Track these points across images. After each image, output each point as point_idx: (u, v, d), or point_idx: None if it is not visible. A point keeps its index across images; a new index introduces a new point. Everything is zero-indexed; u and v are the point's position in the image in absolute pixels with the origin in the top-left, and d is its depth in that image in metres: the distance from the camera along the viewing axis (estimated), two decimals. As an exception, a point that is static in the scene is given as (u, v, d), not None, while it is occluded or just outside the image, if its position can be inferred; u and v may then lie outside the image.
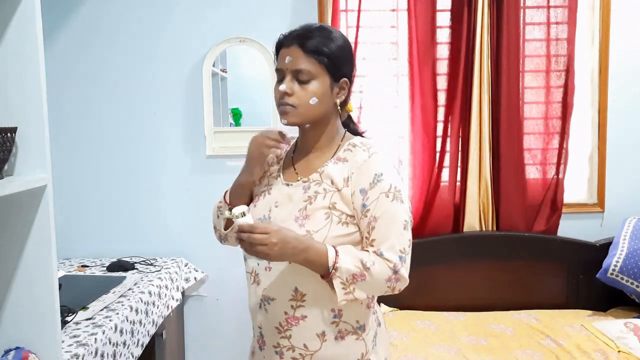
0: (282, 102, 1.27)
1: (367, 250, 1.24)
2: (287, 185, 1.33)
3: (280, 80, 1.29)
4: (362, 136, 1.39)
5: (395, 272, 1.23)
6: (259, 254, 1.16)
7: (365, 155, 1.27)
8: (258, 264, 1.31)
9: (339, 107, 1.32)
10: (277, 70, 1.30)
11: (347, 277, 1.19)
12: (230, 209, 1.21)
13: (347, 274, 1.19)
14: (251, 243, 1.14)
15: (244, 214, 1.16)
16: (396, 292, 1.27)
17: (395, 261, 1.22)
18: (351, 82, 1.33)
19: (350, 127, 1.40)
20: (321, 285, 1.22)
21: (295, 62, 1.25)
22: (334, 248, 1.21)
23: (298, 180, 1.32)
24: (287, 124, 1.30)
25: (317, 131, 1.33)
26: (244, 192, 1.38)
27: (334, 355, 1.28)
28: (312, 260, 1.19)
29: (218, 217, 1.43)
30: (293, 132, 1.39)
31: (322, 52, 1.25)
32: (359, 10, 2.58)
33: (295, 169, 1.35)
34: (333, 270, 1.18)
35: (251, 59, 2.70)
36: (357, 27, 2.58)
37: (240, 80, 2.76)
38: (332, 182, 1.27)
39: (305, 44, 1.26)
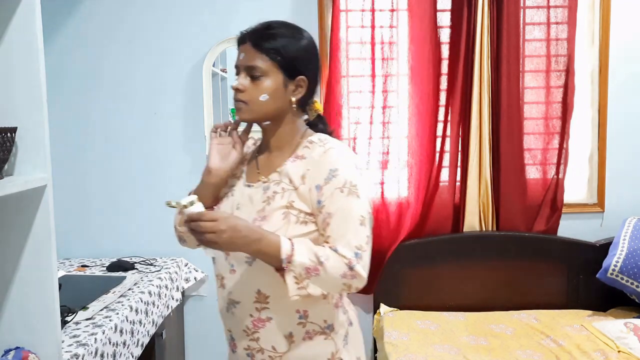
0: (234, 98, 1.28)
1: (323, 246, 1.21)
2: (248, 186, 1.32)
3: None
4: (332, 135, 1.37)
5: (351, 268, 1.18)
6: (208, 243, 1.12)
7: (321, 150, 1.25)
8: (227, 265, 1.30)
9: (294, 105, 1.30)
10: (235, 66, 1.31)
11: (301, 271, 1.16)
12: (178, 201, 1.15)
13: (300, 267, 1.15)
14: (200, 232, 1.11)
15: (192, 203, 1.13)
16: (353, 290, 1.22)
17: (350, 257, 1.18)
18: (314, 81, 1.32)
19: (319, 127, 1.37)
20: (284, 286, 1.18)
21: (247, 59, 1.26)
22: (290, 240, 1.18)
23: (259, 181, 1.31)
24: (240, 120, 1.31)
25: (275, 129, 1.33)
26: (207, 192, 1.34)
27: (304, 356, 1.28)
28: (265, 251, 1.16)
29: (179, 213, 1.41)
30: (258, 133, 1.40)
31: (274, 49, 1.25)
32: (362, 10, 2.59)
33: (258, 169, 1.35)
34: (287, 264, 1.15)
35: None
36: (363, 26, 2.59)
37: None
38: (290, 181, 1.26)
39: (257, 41, 1.27)
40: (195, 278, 2.70)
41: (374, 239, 2.79)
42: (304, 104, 1.33)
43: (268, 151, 1.36)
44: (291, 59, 1.26)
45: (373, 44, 2.64)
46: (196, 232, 1.12)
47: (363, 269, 1.20)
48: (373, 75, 2.66)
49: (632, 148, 2.74)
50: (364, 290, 2.70)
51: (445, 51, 2.64)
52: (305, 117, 1.37)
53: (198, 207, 1.13)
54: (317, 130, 1.35)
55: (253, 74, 1.25)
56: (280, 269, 1.17)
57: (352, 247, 1.19)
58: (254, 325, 1.27)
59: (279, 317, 1.26)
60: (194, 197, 1.14)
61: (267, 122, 1.31)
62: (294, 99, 1.29)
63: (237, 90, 1.26)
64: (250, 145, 1.44)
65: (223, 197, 1.36)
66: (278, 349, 1.27)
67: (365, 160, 2.66)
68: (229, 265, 1.29)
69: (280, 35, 1.28)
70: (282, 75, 1.26)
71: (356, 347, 1.37)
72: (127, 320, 1.95)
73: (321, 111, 1.37)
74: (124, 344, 1.91)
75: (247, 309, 1.27)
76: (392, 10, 2.64)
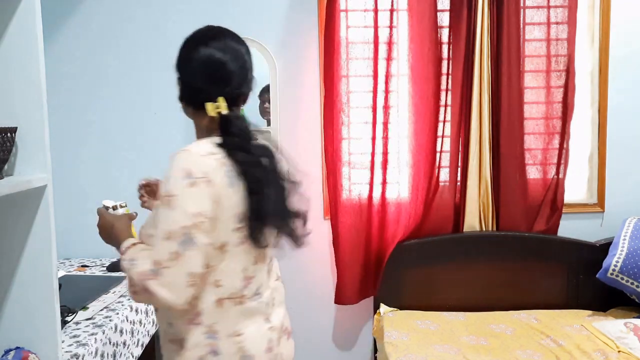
0: None
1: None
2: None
3: None
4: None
5: (142, 282, 1.13)
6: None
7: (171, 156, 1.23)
8: None
9: (181, 104, 1.37)
10: None
11: (124, 270, 1.22)
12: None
13: (123, 267, 1.22)
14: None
15: (115, 208, 1.32)
16: (159, 305, 1.21)
17: (145, 271, 1.13)
18: (190, 80, 1.31)
19: (222, 130, 1.28)
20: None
21: None
22: (133, 241, 1.27)
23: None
24: None
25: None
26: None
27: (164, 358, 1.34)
28: (119, 249, 1.28)
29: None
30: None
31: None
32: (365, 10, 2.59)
33: None
34: (122, 260, 1.24)
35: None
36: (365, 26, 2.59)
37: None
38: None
39: None
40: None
41: (373, 239, 2.76)
42: (193, 104, 1.32)
43: None
44: (176, 61, 1.35)
45: (374, 44, 2.63)
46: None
47: (160, 286, 1.12)
48: (373, 75, 2.65)
49: (632, 148, 2.74)
50: (368, 293, 2.72)
51: (445, 51, 2.63)
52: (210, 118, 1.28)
53: (121, 211, 1.30)
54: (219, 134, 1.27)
55: None
56: None
57: (151, 261, 1.14)
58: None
59: (162, 325, 1.33)
60: (123, 202, 1.36)
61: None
62: (190, 108, 1.34)
63: None
64: None
65: None
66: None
67: (365, 160, 2.68)
68: None
69: (179, 49, 1.37)
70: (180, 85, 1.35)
71: None
72: (127, 320, 1.95)
73: (213, 114, 1.25)
74: (124, 344, 1.91)
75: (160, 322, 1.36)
76: (392, 10, 2.64)
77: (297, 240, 1.32)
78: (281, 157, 1.32)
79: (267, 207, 1.22)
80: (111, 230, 1.36)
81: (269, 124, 2.73)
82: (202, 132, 1.33)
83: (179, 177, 1.17)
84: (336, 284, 2.68)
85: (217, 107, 1.25)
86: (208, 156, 1.20)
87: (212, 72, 1.27)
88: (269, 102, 2.72)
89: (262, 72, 2.68)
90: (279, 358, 1.33)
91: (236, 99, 1.30)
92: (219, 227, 1.19)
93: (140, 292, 1.16)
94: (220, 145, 1.23)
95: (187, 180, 1.16)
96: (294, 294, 2.82)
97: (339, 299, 2.69)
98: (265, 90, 2.74)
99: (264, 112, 2.74)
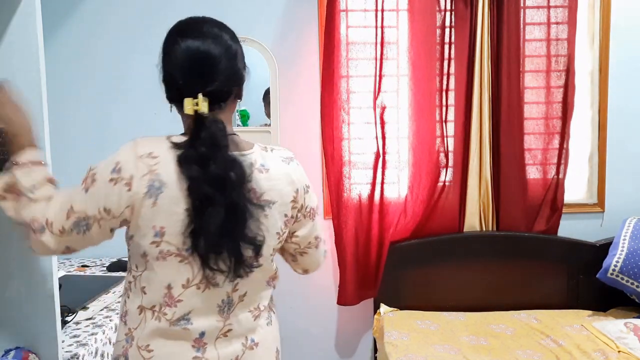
0: None
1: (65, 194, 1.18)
2: None
3: None
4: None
5: (33, 229, 1.13)
6: None
7: None
8: None
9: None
10: None
11: (9, 181, 1.17)
12: None
13: (14, 177, 1.17)
14: None
15: None
16: (32, 249, 1.17)
17: (38, 218, 1.13)
18: (167, 82, 1.21)
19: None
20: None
21: None
22: (38, 155, 1.22)
23: None
24: None
25: None
26: None
27: None
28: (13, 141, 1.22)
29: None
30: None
31: None
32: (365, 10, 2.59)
33: None
34: (13, 165, 1.17)
35: (251, 59, 2.69)
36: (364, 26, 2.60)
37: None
38: None
39: None
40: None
41: (374, 238, 2.77)
42: (176, 102, 1.22)
43: None
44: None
45: (374, 44, 2.63)
46: None
47: (38, 240, 1.13)
48: (373, 75, 2.66)
49: (632, 148, 2.74)
50: (368, 294, 2.72)
51: (445, 51, 2.63)
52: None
53: None
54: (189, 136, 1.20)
55: None
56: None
57: (46, 217, 1.14)
58: None
59: None
60: None
61: None
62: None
63: None
64: None
65: None
66: None
67: (365, 160, 2.68)
68: None
69: None
70: None
71: None
72: (127, 320, 1.95)
73: (188, 112, 1.14)
74: (124, 344, 1.91)
75: None
76: (393, 10, 2.64)
77: (243, 267, 1.14)
78: (256, 177, 1.16)
79: (208, 226, 1.08)
80: (15, 115, 1.23)
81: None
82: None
83: (109, 166, 1.15)
84: (339, 284, 2.68)
85: (195, 105, 1.12)
86: (143, 159, 1.13)
87: (189, 64, 1.15)
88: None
89: (262, 72, 2.68)
90: None
91: (219, 94, 1.16)
92: (138, 234, 1.14)
93: (19, 223, 1.16)
94: (178, 147, 1.13)
95: (113, 174, 1.13)
96: (294, 295, 2.83)
97: (342, 300, 2.69)
98: (269, 93, 2.74)
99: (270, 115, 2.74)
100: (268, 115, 2.73)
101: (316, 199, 1.31)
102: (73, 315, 1.83)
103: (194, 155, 1.10)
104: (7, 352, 1.38)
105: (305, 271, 1.39)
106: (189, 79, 1.15)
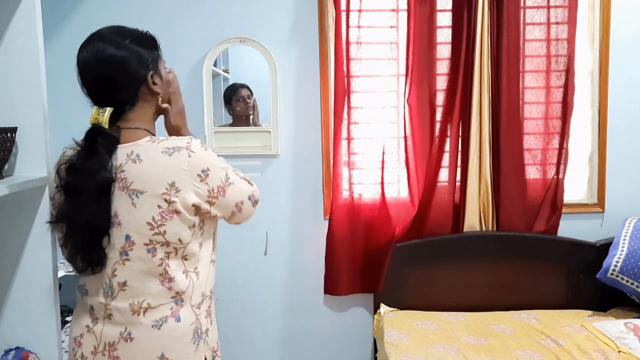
0: None
1: None
2: None
3: None
4: None
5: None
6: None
7: None
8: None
9: None
10: None
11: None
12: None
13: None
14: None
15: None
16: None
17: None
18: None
19: None
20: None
21: None
22: None
23: None
24: None
25: None
26: None
27: None
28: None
29: None
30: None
31: None
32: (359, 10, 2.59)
33: None
34: None
35: (251, 59, 2.70)
36: (358, 27, 2.60)
37: (242, 81, 2.76)
38: None
39: None
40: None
41: (374, 238, 2.78)
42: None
43: None
44: None
45: (374, 44, 2.64)
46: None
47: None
48: (373, 75, 2.66)
49: (632, 148, 2.74)
50: (370, 289, 2.72)
51: (445, 51, 2.63)
52: None
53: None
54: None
55: None
56: None
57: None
58: None
59: None
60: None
61: None
62: None
63: None
64: None
65: None
66: None
67: (365, 160, 2.68)
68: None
69: None
70: None
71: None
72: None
73: (90, 120, 1.33)
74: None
75: None
76: (393, 11, 2.64)
77: (86, 259, 1.26)
78: (129, 167, 1.25)
79: (66, 215, 1.25)
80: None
81: (252, 121, 2.73)
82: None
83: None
84: (324, 274, 2.72)
85: (98, 114, 1.30)
86: (63, 153, 1.33)
87: (81, 77, 1.34)
88: (249, 98, 2.72)
89: (262, 72, 2.68)
90: (79, 351, 1.30)
91: (120, 100, 1.31)
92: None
93: None
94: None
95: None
96: (294, 295, 2.83)
97: (328, 289, 2.73)
98: (238, 87, 2.73)
99: (246, 109, 2.73)
100: (238, 111, 2.74)
101: (223, 173, 1.31)
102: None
103: (66, 162, 1.27)
104: (7, 352, 1.38)
105: (237, 224, 1.43)
106: (88, 90, 1.32)
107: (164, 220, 1.24)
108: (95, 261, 1.25)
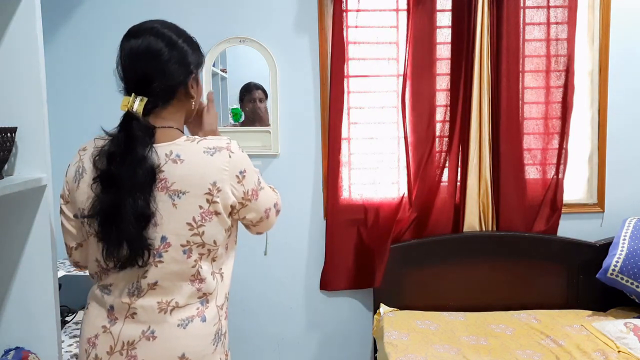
0: None
1: None
2: None
3: None
4: None
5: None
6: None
7: None
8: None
9: None
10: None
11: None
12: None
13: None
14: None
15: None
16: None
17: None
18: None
19: None
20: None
21: None
22: None
23: None
24: None
25: None
26: None
27: None
28: None
29: None
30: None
31: None
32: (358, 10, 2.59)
33: None
34: None
35: (251, 59, 2.70)
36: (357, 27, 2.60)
37: (241, 80, 2.76)
38: None
39: None
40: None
41: (374, 239, 2.78)
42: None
43: None
44: None
45: (374, 44, 2.64)
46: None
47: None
48: (373, 76, 2.66)
49: (632, 148, 2.74)
50: (370, 283, 2.72)
51: (445, 51, 2.63)
52: None
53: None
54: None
55: None
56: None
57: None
58: None
59: None
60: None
61: None
62: None
63: None
64: None
65: None
66: None
67: (365, 160, 2.69)
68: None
69: None
70: None
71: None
72: (127, 320, 1.95)
73: (121, 107, 1.34)
74: (124, 344, 1.91)
75: None
76: (393, 10, 2.64)
77: (134, 247, 1.19)
78: (169, 167, 1.22)
79: (103, 213, 1.20)
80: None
81: (262, 123, 2.73)
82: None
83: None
84: (322, 271, 2.75)
85: (132, 102, 1.29)
86: (78, 152, 1.32)
87: (128, 64, 1.38)
88: (260, 102, 2.72)
89: (262, 72, 2.68)
90: (93, 352, 1.27)
91: (159, 94, 1.30)
92: (74, 215, 1.30)
93: None
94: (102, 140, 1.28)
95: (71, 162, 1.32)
96: (294, 295, 2.83)
97: (324, 285, 2.76)
98: (253, 88, 2.73)
99: (253, 111, 2.73)
100: (253, 113, 2.73)
101: (256, 177, 1.32)
102: (73, 315, 1.83)
103: (105, 152, 1.24)
104: (7, 352, 1.38)
105: (259, 234, 1.43)
106: (127, 78, 1.34)
107: (203, 221, 1.23)
108: (142, 251, 1.20)
